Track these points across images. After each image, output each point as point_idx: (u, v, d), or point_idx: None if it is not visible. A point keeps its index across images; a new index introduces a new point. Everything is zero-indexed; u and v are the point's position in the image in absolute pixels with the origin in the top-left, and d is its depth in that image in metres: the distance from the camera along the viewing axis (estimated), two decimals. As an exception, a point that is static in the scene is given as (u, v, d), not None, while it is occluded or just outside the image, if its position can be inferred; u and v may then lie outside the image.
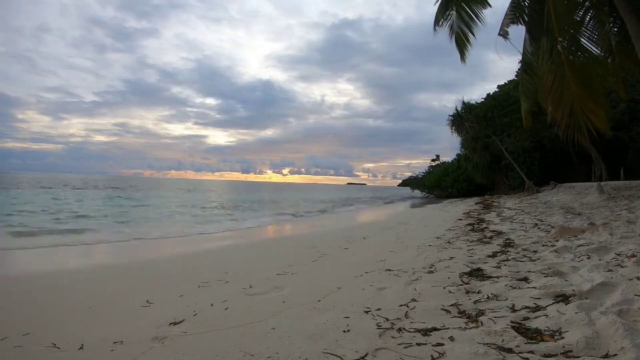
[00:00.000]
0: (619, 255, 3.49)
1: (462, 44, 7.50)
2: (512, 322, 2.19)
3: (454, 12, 7.39)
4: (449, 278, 3.41)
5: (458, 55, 7.69)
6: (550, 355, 1.75)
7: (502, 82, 27.10)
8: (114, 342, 2.33)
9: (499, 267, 3.65)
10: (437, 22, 7.63)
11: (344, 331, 2.28)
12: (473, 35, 7.39)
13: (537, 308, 2.39)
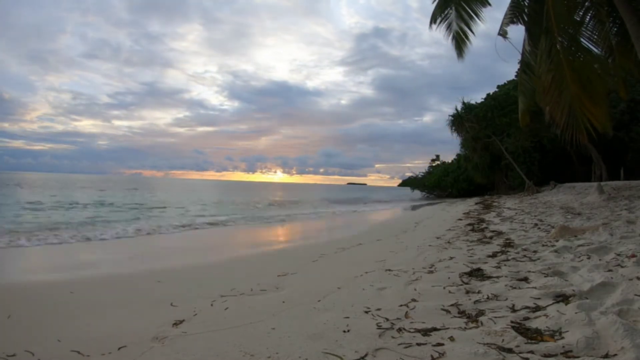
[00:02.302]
0: (619, 255, 3.50)
1: (461, 42, 7.51)
2: (512, 322, 2.19)
3: (452, 11, 7.40)
4: (449, 278, 3.41)
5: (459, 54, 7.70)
6: (550, 355, 1.75)
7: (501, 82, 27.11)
8: (114, 343, 2.33)
9: (499, 267, 3.65)
10: (433, 20, 7.64)
11: (344, 331, 2.27)
12: (472, 33, 7.41)
13: (537, 308, 2.39)
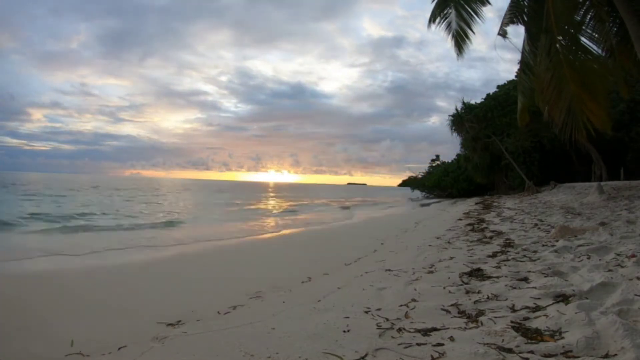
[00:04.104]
0: (619, 255, 3.50)
1: (461, 41, 7.51)
2: (512, 322, 2.18)
3: (452, 10, 7.39)
4: (449, 278, 3.40)
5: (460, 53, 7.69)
6: (550, 355, 1.75)
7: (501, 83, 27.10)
8: (114, 343, 2.33)
9: (499, 267, 3.65)
10: (432, 19, 7.63)
11: (344, 331, 2.27)
12: (472, 32, 7.41)
13: (537, 308, 2.39)
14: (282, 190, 64.40)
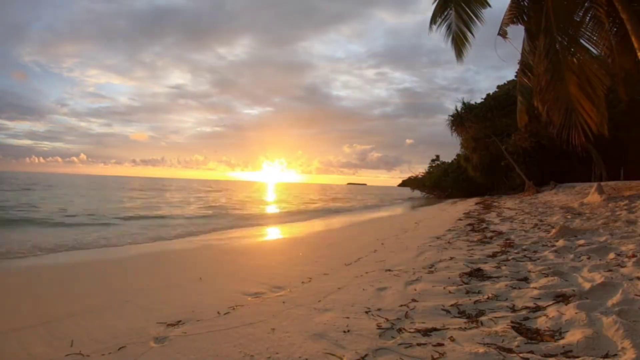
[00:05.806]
0: (619, 255, 3.50)
1: (460, 43, 7.51)
2: (512, 322, 2.19)
3: (452, 12, 7.40)
4: (449, 278, 3.40)
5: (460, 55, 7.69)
6: (550, 355, 1.75)
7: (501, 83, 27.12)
8: (114, 343, 2.33)
9: (499, 267, 3.65)
10: (433, 21, 7.64)
11: (344, 331, 2.27)
12: (472, 34, 7.40)
13: (537, 308, 2.39)
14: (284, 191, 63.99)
